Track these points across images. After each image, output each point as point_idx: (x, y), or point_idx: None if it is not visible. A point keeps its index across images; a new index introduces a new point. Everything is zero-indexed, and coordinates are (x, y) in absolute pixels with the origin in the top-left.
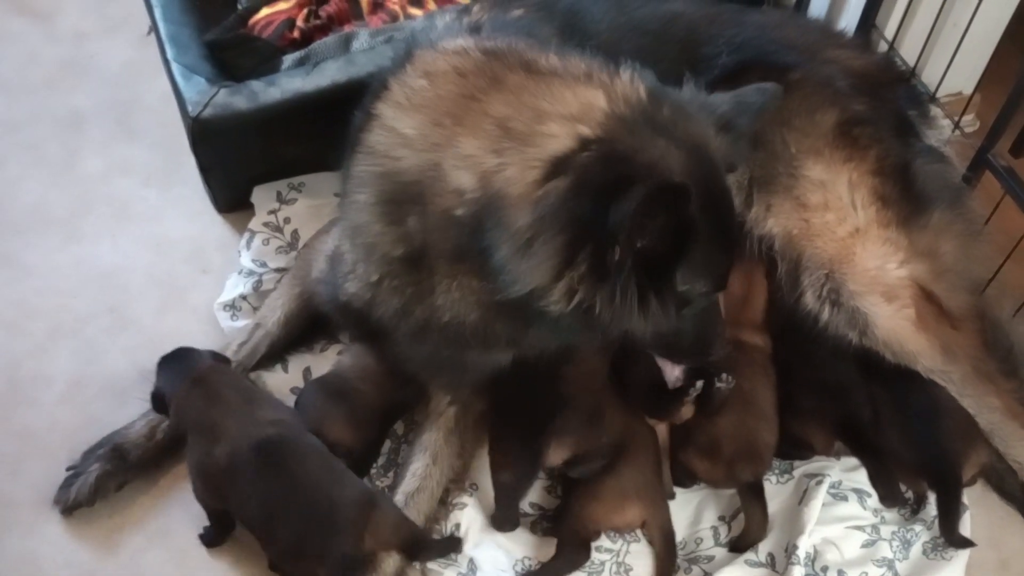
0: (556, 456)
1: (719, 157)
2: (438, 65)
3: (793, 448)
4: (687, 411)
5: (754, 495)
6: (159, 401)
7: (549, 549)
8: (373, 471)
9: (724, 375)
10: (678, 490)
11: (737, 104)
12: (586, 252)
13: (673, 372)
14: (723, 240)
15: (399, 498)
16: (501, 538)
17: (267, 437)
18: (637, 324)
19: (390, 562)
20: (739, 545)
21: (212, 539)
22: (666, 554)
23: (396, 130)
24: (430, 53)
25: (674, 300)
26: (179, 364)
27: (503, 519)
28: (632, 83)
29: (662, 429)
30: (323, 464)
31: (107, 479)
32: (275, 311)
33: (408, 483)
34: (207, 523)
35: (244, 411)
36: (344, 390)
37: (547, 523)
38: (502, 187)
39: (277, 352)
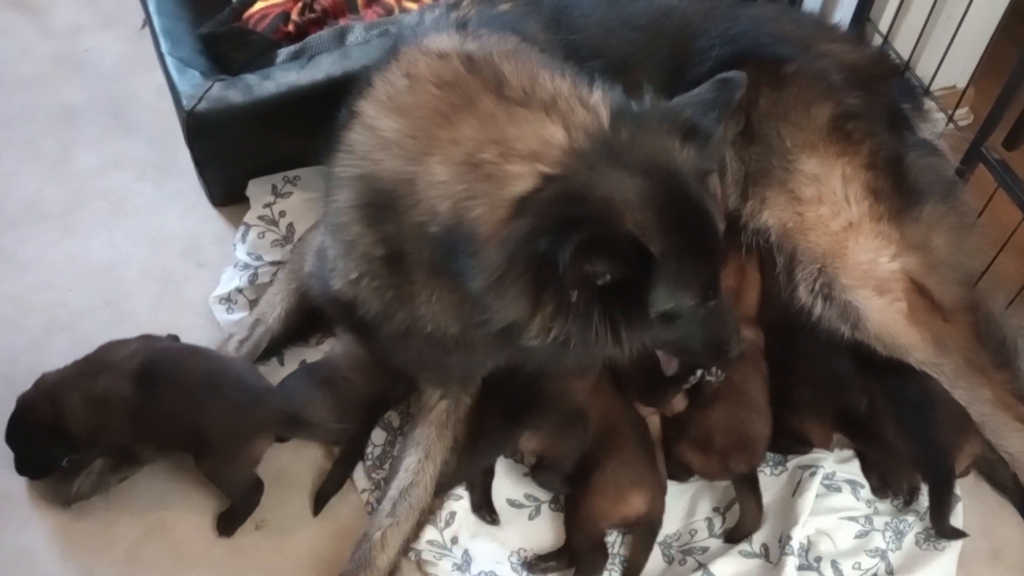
0: (527, 444)
1: (686, 168)
2: (420, 68)
3: (791, 443)
4: (679, 402)
5: (749, 486)
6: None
7: (545, 540)
8: (368, 463)
9: (714, 368)
10: (673, 482)
11: (700, 104)
12: (550, 292)
13: (671, 362)
14: (700, 252)
15: (393, 492)
16: (496, 530)
17: (138, 365)
18: (613, 352)
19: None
20: (733, 536)
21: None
22: (643, 548)
23: (376, 130)
24: (414, 52)
25: (649, 323)
26: (26, 408)
27: (475, 502)
28: (595, 109)
29: (654, 422)
30: (205, 355)
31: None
32: (274, 307)
33: (402, 477)
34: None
35: (98, 367)
36: (332, 378)
37: (554, 505)
38: (472, 225)
39: (275, 347)
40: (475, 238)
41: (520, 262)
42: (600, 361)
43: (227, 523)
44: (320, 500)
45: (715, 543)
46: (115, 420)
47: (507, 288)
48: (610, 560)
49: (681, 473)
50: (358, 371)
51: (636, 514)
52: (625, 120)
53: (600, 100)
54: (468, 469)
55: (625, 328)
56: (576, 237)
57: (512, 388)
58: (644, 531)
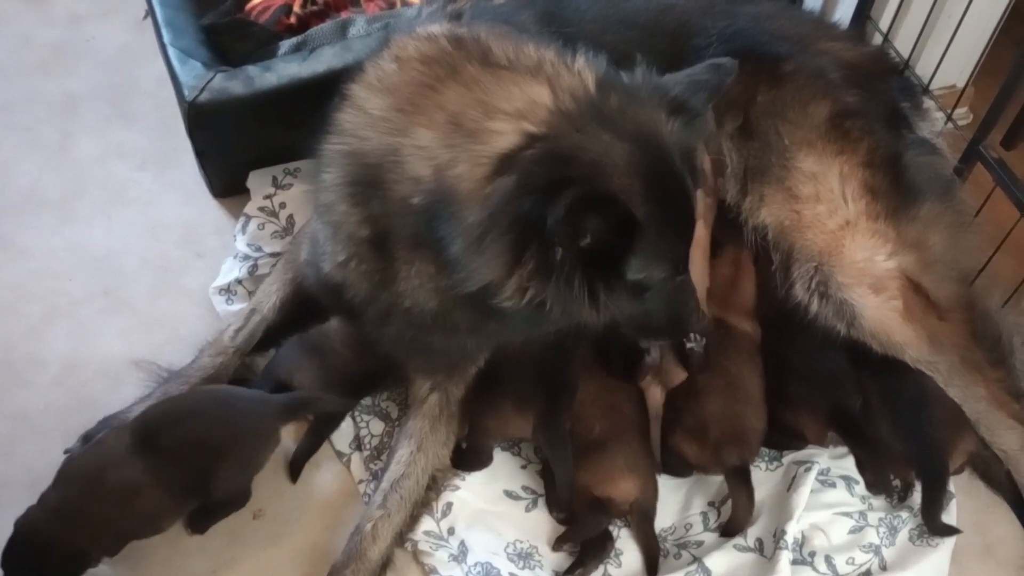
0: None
1: (671, 142)
2: (408, 50)
3: (786, 438)
4: (677, 375)
5: (741, 480)
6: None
7: (542, 531)
8: (366, 453)
9: (694, 335)
10: (669, 477)
11: (690, 84)
12: (532, 251)
13: None
14: (676, 226)
15: (385, 484)
16: (493, 521)
17: (134, 437)
18: (589, 316)
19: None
20: (728, 530)
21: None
22: (645, 536)
23: (364, 109)
24: (404, 38)
25: (626, 290)
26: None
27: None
28: (581, 74)
29: (654, 396)
30: (188, 391)
31: None
32: (270, 296)
33: (394, 469)
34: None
35: (95, 470)
36: (322, 348)
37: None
38: (453, 183)
39: (272, 336)
40: (455, 196)
41: (503, 220)
42: (574, 325)
43: (203, 520)
44: (294, 469)
45: (710, 537)
46: (147, 498)
47: (487, 246)
48: (609, 558)
49: (681, 468)
50: (348, 347)
51: (624, 497)
52: (614, 87)
53: (585, 65)
54: (560, 478)
55: (603, 292)
56: (571, 193)
57: (543, 372)
58: (639, 518)
